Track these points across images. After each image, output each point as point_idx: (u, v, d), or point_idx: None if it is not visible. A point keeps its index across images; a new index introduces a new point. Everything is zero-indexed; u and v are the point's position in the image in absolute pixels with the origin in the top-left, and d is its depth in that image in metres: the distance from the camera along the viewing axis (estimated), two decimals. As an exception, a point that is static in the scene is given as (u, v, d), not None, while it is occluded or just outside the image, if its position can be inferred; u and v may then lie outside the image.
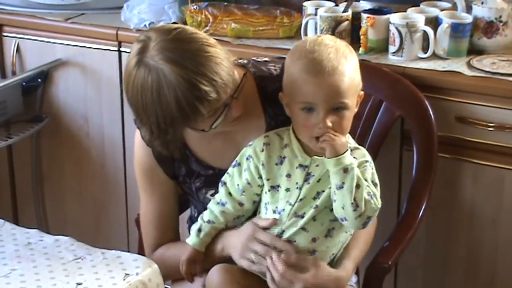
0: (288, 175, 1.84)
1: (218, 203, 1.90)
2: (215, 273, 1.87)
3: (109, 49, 2.73)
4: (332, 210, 1.83)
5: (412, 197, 2.19)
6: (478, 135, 2.27)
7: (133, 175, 2.73)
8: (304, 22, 2.49)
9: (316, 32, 2.46)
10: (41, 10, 2.87)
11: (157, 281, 1.79)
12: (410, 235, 2.11)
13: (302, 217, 1.83)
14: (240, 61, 1.96)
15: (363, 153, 1.84)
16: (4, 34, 2.90)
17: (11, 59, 2.90)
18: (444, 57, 2.37)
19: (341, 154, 1.75)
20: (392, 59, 2.38)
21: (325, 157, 1.78)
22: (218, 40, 1.83)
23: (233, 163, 1.90)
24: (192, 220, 2.07)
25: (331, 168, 1.76)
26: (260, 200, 1.89)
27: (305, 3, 2.54)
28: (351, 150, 1.80)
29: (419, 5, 2.49)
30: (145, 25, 2.65)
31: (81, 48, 2.79)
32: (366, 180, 1.79)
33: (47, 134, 2.96)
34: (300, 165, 1.84)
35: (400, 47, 2.36)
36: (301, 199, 1.83)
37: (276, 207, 1.85)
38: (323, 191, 1.82)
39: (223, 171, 1.92)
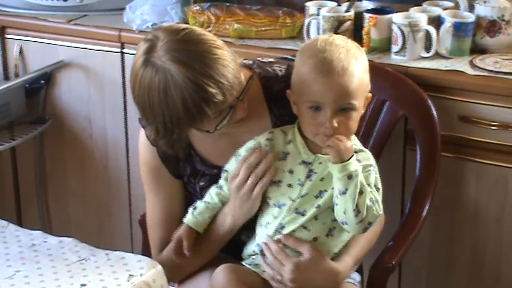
0: (291, 171, 1.85)
1: (216, 186, 1.92)
2: (221, 273, 1.87)
3: (112, 51, 2.73)
4: (333, 209, 1.82)
5: (416, 196, 2.19)
6: (481, 134, 2.27)
7: (136, 176, 2.74)
8: (306, 22, 2.49)
9: (318, 32, 2.46)
10: (44, 12, 2.87)
11: (161, 282, 1.79)
12: (414, 234, 2.11)
13: (303, 214, 1.84)
14: (245, 61, 1.96)
15: (368, 156, 1.84)
16: (7, 36, 2.90)
17: (14, 61, 2.90)
18: (447, 56, 2.37)
19: (347, 160, 1.76)
20: (395, 58, 2.38)
21: (329, 161, 1.78)
22: (221, 41, 1.83)
23: (235, 153, 1.90)
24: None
25: (336, 173, 1.77)
26: None
27: (307, 3, 2.54)
28: (356, 152, 1.81)
29: (421, 5, 2.48)
30: (147, 26, 2.65)
31: (84, 50, 2.79)
32: (369, 184, 1.79)
33: (50, 135, 2.96)
34: (303, 162, 1.84)
35: (403, 47, 2.36)
36: (302, 196, 1.83)
37: (277, 201, 1.86)
38: (326, 191, 1.82)
39: None
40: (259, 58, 2.02)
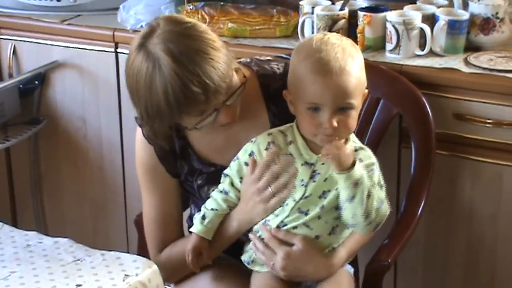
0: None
1: (221, 191, 1.91)
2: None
3: (106, 51, 2.73)
4: (337, 209, 1.83)
5: (411, 194, 2.19)
6: (476, 132, 2.27)
7: (131, 176, 2.74)
8: (300, 21, 2.49)
9: (312, 31, 2.46)
10: (37, 12, 2.87)
11: (157, 282, 1.79)
12: (409, 232, 2.11)
13: (306, 214, 1.84)
14: (243, 60, 1.96)
15: (369, 154, 1.84)
16: (1, 36, 2.90)
17: (7, 61, 2.90)
18: (441, 54, 2.38)
19: (351, 168, 1.75)
20: (389, 56, 2.38)
21: (333, 170, 1.78)
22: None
23: (234, 158, 1.90)
24: (191, 219, 2.05)
25: (341, 182, 1.77)
26: None
27: (301, 2, 2.54)
28: (356, 150, 1.81)
29: (415, 3, 2.49)
30: (141, 26, 2.64)
31: (78, 50, 2.79)
32: (373, 184, 1.79)
33: (45, 136, 2.96)
34: (306, 163, 1.83)
35: (397, 45, 2.36)
36: (306, 197, 1.83)
37: None
38: (329, 191, 1.82)
39: (225, 168, 1.93)
40: (257, 57, 2.02)
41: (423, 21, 2.36)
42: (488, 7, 2.37)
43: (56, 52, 2.83)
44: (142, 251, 2.10)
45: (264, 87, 1.94)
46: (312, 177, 1.82)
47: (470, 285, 2.40)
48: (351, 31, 2.44)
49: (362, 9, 2.44)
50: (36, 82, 2.86)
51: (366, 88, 1.84)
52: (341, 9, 2.44)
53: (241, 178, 1.89)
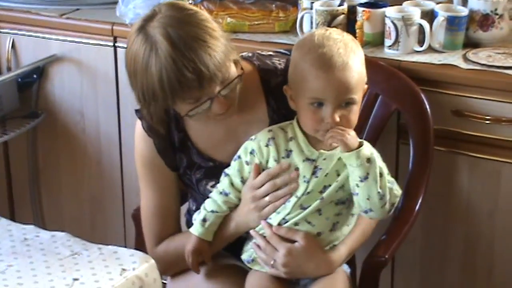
0: (296, 169, 1.84)
1: (221, 193, 1.91)
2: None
3: (104, 45, 2.73)
4: (337, 203, 1.84)
5: (409, 190, 2.19)
6: (474, 128, 2.27)
7: (129, 170, 2.74)
8: (299, 16, 2.49)
9: (311, 27, 2.46)
10: (36, 6, 2.86)
11: (154, 276, 1.79)
12: (407, 228, 2.12)
13: (307, 209, 1.85)
14: (244, 54, 1.97)
15: (370, 146, 1.84)
16: (-1, 30, 2.91)
17: (6, 55, 2.90)
18: (440, 50, 2.38)
19: (359, 147, 1.77)
20: (388, 52, 2.38)
21: (341, 152, 1.78)
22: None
23: (235, 157, 1.90)
24: (190, 214, 2.08)
25: (353, 161, 1.77)
26: None
27: (300, -3, 2.54)
28: None
29: (414, -2, 2.49)
30: (140, 20, 2.64)
31: (77, 44, 2.79)
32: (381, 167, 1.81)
33: (43, 130, 2.96)
34: (307, 159, 1.84)
35: (396, 41, 2.36)
36: (308, 193, 1.84)
37: None
38: (330, 185, 1.83)
39: (223, 163, 1.94)
40: (259, 51, 2.02)
41: (422, 17, 2.36)
42: (487, 3, 2.37)
43: (55, 46, 2.83)
44: (140, 246, 2.10)
45: (264, 81, 1.95)
46: (314, 173, 1.83)
47: (468, 280, 2.41)
48: (350, 26, 2.44)
49: (361, 5, 2.44)
50: (35, 76, 2.86)
51: (366, 83, 1.85)
52: (340, 5, 2.44)
53: (241, 178, 1.89)
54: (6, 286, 1.70)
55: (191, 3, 2.60)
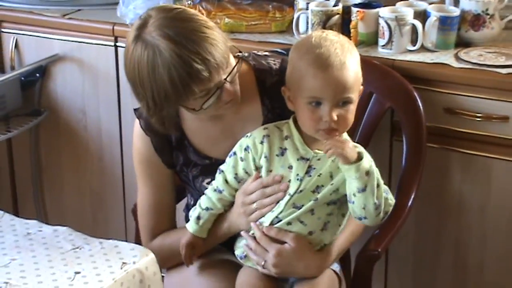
0: (290, 167, 1.86)
1: (215, 190, 1.93)
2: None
3: (105, 44, 2.74)
4: (329, 204, 1.85)
5: (402, 186, 2.21)
6: (466, 126, 2.29)
7: (130, 167, 2.74)
8: (295, 16, 2.50)
9: (307, 27, 2.48)
10: (39, 6, 2.88)
11: (154, 270, 1.80)
12: (399, 223, 2.13)
13: (300, 208, 1.85)
14: (240, 54, 1.98)
15: (368, 157, 1.83)
16: (3, 30, 2.92)
17: (9, 54, 2.91)
18: (432, 49, 2.39)
19: (359, 160, 1.77)
20: (382, 52, 2.40)
21: (341, 164, 1.79)
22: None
23: (230, 153, 1.92)
24: (188, 209, 2.10)
25: (353, 174, 1.77)
26: None
27: (296, -2, 2.56)
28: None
29: (407, -1, 2.51)
30: (140, 20, 2.66)
31: (78, 43, 2.80)
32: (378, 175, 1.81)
33: (45, 127, 2.98)
34: (302, 158, 1.85)
35: (390, 40, 2.38)
36: (301, 191, 1.84)
37: None
38: (323, 186, 1.84)
39: (219, 161, 1.95)
40: (255, 51, 2.04)
41: (415, 17, 2.38)
42: (479, 3, 2.38)
43: (57, 45, 2.84)
44: (140, 240, 2.11)
45: (259, 81, 1.96)
46: (307, 172, 1.84)
47: (460, 274, 2.42)
48: (344, 26, 2.46)
49: (356, 5, 2.46)
50: (37, 74, 2.88)
51: (362, 84, 1.86)
52: (335, 5, 2.46)
53: (235, 174, 1.90)
54: (10, 279, 1.70)
55: (189, 4, 2.63)
